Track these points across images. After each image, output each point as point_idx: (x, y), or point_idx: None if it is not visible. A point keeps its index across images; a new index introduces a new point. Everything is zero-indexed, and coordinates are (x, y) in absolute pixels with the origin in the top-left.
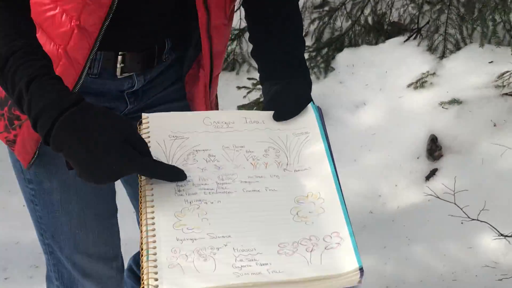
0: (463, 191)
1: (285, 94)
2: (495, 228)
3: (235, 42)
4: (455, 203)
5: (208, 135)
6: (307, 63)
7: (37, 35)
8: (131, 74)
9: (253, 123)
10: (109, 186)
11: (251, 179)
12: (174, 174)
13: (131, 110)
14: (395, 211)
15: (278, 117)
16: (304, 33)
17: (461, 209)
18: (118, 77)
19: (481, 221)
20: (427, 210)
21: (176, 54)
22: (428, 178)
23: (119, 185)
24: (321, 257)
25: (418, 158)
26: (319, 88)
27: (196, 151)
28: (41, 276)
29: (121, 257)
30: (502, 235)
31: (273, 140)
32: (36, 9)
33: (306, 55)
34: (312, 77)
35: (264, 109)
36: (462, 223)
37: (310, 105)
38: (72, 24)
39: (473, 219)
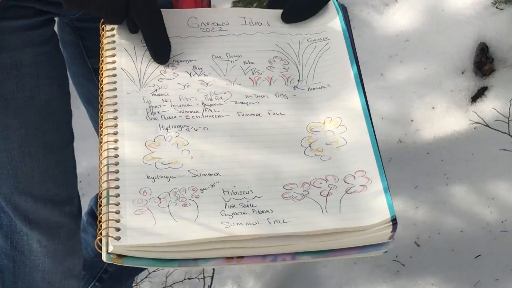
0: None
1: None
2: None
3: None
4: (509, 134)
5: (194, 41)
6: None
7: None
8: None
9: (255, 25)
10: (62, 107)
11: (250, 100)
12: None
13: None
14: (430, 141)
15: (288, 17)
16: None
17: None
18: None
19: None
20: (472, 141)
21: None
22: (474, 99)
23: (77, 105)
24: (340, 203)
25: (462, 72)
26: None
27: (177, 62)
28: None
29: (78, 199)
30: None
31: (280, 48)
32: None
33: None
34: None
35: (269, 6)
36: None
37: (332, 1)
38: None
39: None
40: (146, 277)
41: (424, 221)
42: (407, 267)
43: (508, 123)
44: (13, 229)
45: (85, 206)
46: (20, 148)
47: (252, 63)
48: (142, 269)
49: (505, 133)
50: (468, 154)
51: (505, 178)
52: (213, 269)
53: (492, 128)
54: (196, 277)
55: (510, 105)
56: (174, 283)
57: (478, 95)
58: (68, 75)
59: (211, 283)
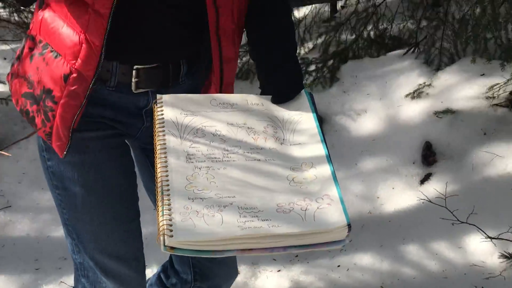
0: (454, 196)
1: (281, 82)
2: (482, 231)
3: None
4: (446, 207)
5: (215, 114)
6: (314, 75)
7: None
8: (146, 90)
9: (254, 105)
10: (130, 193)
11: (253, 151)
12: None
13: (148, 127)
14: (391, 213)
15: (275, 101)
16: (312, 46)
17: (451, 212)
18: (134, 92)
19: (470, 224)
20: (421, 212)
21: (192, 80)
22: (422, 182)
23: (141, 191)
24: (314, 215)
25: (413, 163)
26: (325, 97)
27: (204, 126)
28: (68, 266)
29: (143, 258)
30: (489, 237)
31: (271, 119)
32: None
33: (313, 67)
34: (318, 86)
35: (262, 93)
36: (452, 224)
37: (303, 91)
38: (78, 38)
39: (462, 222)
40: None
41: (387, 271)
42: None
43: (445, 200)
44: (96, 279)
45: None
46: (99, 220)
47: (253, 128)
48: None
49: (443, 206)
50: (418, 222)
51: (444, 239)
52: None
53: (434, 204)
54: None
55: (446, 187)
56: None
57: (424, 179)
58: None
59: None
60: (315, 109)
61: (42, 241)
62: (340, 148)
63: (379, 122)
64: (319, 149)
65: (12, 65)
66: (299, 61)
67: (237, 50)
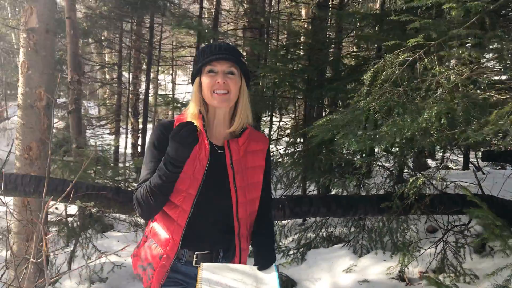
0: None
1: (264, 260)
2: None
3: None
4: None
5: (230, 275)
6: (292, 256)
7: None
8: (200, 265)
9: (249, 270)
10: None
11: None
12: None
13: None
14: None
15: (259, 269)
16: (291, 239)
17: None
18: (194, 265)
19: None
20: None
21: (226, 259)
22: None
23: None
24: None
25: None
26: (298, 269)
27: (223, 281)
28: None
29: None
30: None
31: (255, 278)
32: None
33: (291, 252)
34: (294, 263)
35: (255, 264)
36: None
37: (273, 265)
38: (168, 237)
39: None
40: None
41: None
42: None
43: None
44: None
45: None
46: None
47: (246, 283)
48: None
49: None
50: None
51: None
52: None
53: None
54: None
55: None
56: None
57: None
58: None
59: None
60: (278, 273)
61: None
62: None
63: (328, 285)
64: None
65: (134, 249)
66: (284, 249)
67: (248, 245)
